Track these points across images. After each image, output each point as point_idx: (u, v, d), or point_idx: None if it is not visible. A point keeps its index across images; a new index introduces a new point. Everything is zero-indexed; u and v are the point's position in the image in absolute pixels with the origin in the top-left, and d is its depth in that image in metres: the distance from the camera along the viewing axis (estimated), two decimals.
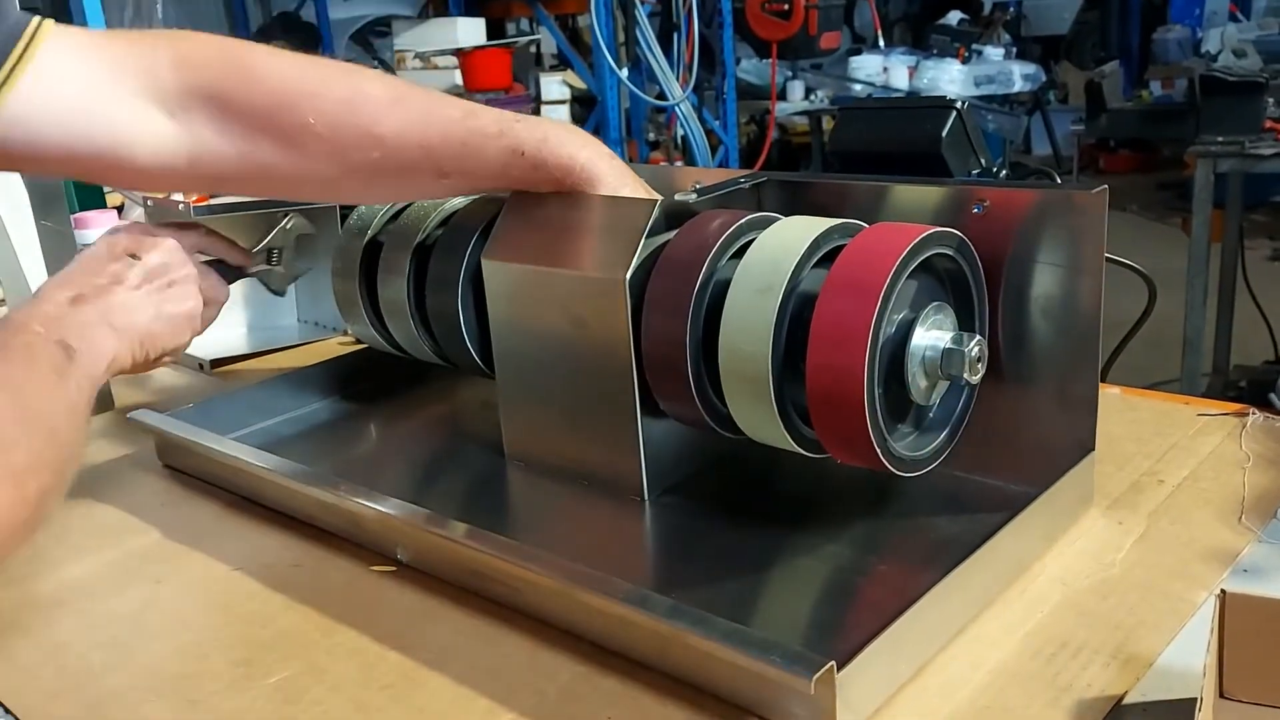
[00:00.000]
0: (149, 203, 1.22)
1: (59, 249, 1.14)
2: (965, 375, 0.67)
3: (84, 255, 0.75)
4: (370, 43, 6.01)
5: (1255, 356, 3.18)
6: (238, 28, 6.27)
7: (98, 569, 0.76)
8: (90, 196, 1.90)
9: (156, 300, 0.76)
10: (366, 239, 0.94)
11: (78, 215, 1.52)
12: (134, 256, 0.75)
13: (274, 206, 1.23)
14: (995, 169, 0.93)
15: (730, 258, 0.72)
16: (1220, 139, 2.64)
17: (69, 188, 1.78)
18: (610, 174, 0.77)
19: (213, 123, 0.73)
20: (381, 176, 0.76)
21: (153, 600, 0.72)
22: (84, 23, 2.69)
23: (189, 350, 1.18)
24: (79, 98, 0.70)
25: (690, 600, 0.58)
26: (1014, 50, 6.04)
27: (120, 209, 1.72)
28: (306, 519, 0.79)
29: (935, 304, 0.68)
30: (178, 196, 1.21)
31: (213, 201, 1.35)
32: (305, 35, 5.60)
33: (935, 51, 5.76)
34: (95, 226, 1.52)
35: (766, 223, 0.73)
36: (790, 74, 5.58)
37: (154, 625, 0.69)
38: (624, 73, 3.69)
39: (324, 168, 0.75)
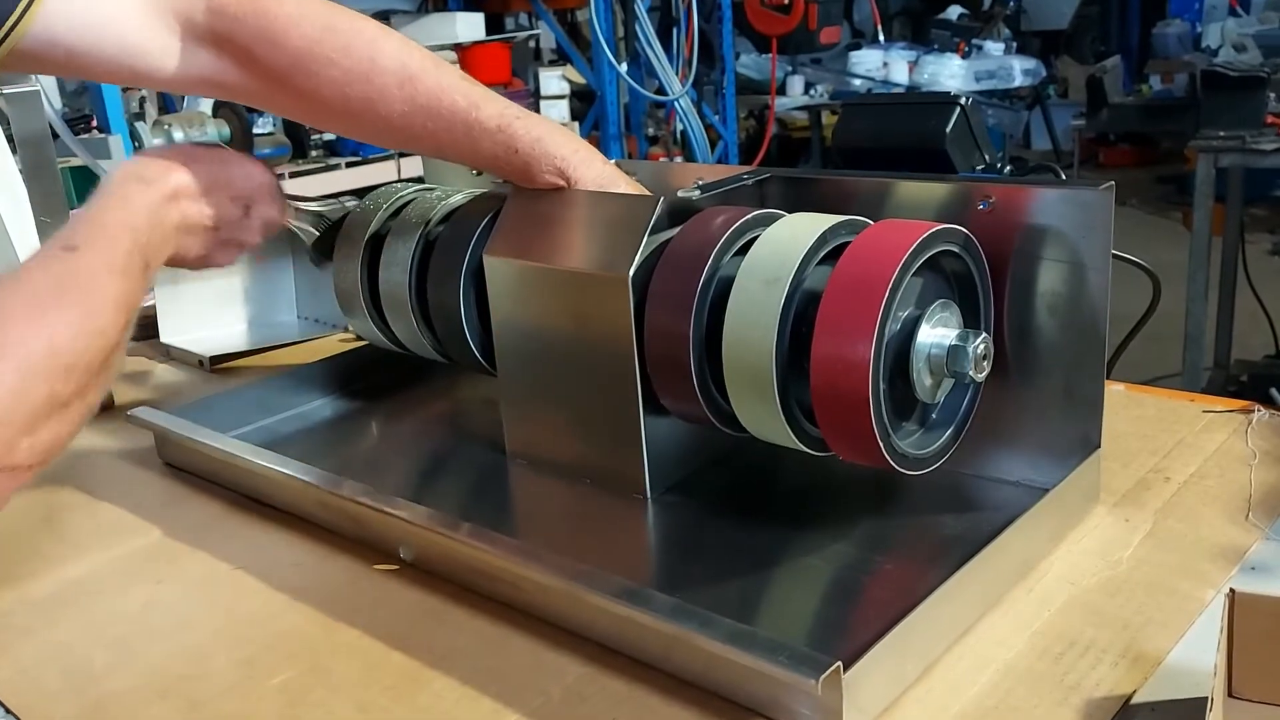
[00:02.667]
0: None
1: None
2: (970, 372, 0.66)
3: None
4: None
5: (1256, 351, 3.17)
6: None
7: (99, 568, 0.76)
8: (89, 193, 1.90)
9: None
10: (368, 234, 0.93)
11: (77, 212, 1.52)
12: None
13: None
14: (999, 165, 0.92)
15: (734, 254, 0.72)
16: (1221, 134, 2.63)
17: (69, 185, 1.78)
18: (601, 177, 0.78)
19: (235, 67, 0.77)
20: (385, 138, 0.82)
21: (154, 600, 0.72)
22: None
23: (188, 347, 1.19)
24: (111, 23, 0.74)
25: (695, 600, 0.58)
26: (1014, 45, 6.03)
27: None
28: (308, 517, 0.79)
29: (941, 301, 0.68)
30: None
31: None
32: None
33: (935, 46, 5.75)
34: None
35: (770, 219, 0.72)
36: (790, 69, 5.57)
37: (156, 625, 0.69)
38: (623, 68, 3.68)
39: (334, 124, 0.83)
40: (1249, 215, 3.35)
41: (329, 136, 3.35)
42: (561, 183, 0.78)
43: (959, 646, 0.59)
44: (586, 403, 0.78)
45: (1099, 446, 0.71)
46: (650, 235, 0.72)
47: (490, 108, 0.77)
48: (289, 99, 0.79)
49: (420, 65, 0.77)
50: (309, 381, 1.02)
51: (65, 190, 1.24)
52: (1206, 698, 0.48)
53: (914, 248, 0.64)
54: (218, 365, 1.16)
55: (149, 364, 1.21)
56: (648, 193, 0.79)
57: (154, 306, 1.23)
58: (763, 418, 0.69)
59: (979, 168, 0.88)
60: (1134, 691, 0.55)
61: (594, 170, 0.78)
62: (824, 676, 0.50)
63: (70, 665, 0.65)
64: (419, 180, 1.04)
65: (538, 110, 3.80)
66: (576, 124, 3.90)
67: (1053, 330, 0.71)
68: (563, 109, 3.84)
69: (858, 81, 5.42)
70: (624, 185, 0.79)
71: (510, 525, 0.79)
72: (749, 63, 5.57)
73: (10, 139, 1.02)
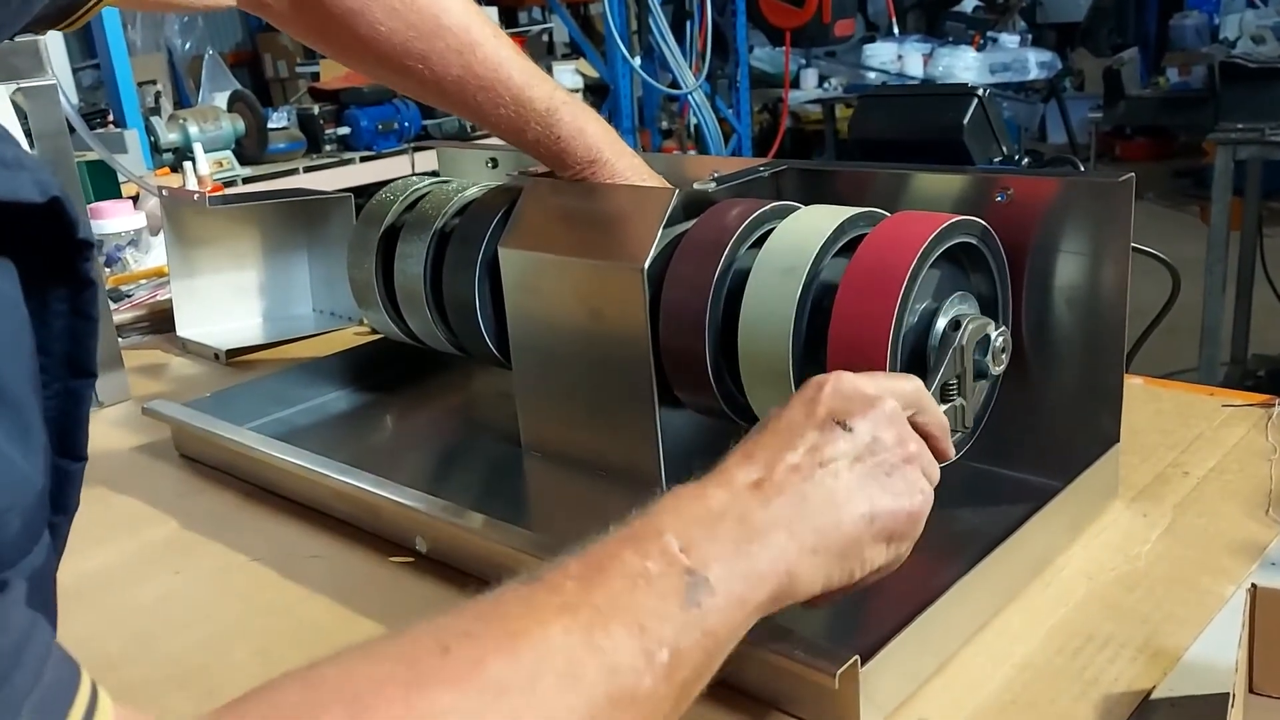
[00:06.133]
0: (164, 192, 1.21)
1: None
2: (990, 368, 0.66)
3: (776, 415, 0.53)
4: None
5: (1273, 345, 3.15)
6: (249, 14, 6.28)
7: (116, 560, 0.76)
8: (105, 187, 1.91)
9: (870, 492, 0.50)
10: (383, 227, 0.94)
11: (93, 205, 1.53)
12: (841, 424, 0.52)
13: (292, 196, 1.23)
14: (1016, 157, 0.91)
15: (750, 246, 0.71)
16: (1240, 126, 2.61)
17: (85, 179, 1.78)
18: (630, 170, 0.79)
19: (286, 11, 0.76)
20: (433, 97, 0.79)
21: (171, 591, 0.72)
22: None
23: (204, 340, 1.19)
24: None
25: None
26: (1029, 37, 5.99)
27: (135, 199, 1.72)
28: (324, 509, 0.79)
29: (958, 293, 0.68)
30: (192, 186, 1.20)
31: (227, 192, 1.35)
32: None
33: (950, 39, 5.72)
34: (111, 216, 1.52)
35: (786, 212, 0.72)
36: (804, 62, 5.55)
37: (173, 616, 0.69)
38: (637, 61, 3.68)
39: (382, 75, 0.79)
40: (1267, 209, 3.31)
41: (343, 131, 3.35)
42: (592, 173, 0.78)
43: (976, 641, 0.59)
44: (601, 395, 0.78)
45: (1117, 441, 0.71)
46: (666, 227, 0.72)
47: (541, 89, 0.77)
48: (340, 42, 0.77)
49: (482, 32, 0.76)
50: (324, 374, 1.03)
51: (82, 185, 1.24)
52: (1227, 693, 0.48)
53: (932, 239, 0.64)
54: (233, 359, 1.16)
55: (165, 358, 1.21)
56: (669, 185, 0.78)
57: (170, 300, 1.23)
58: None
59: (996, 160, 0.87)
60: (1153, 687, 0.55)
61: (624, 163, 0.79)
62: (841, 670, 0.50)
63: (87, 656, 0.64)
64: (434, 174, 1.04)
65: None
66: None
67: (1071, 323, 0.71)
68: (582, 101, 3.84)
69: (872, 74, 5.40)
70: (650, 178, 0.79)
71: (525, 517, 0.79)
72: (763, 56, 5.54)
73: (28, 133, 1.02)
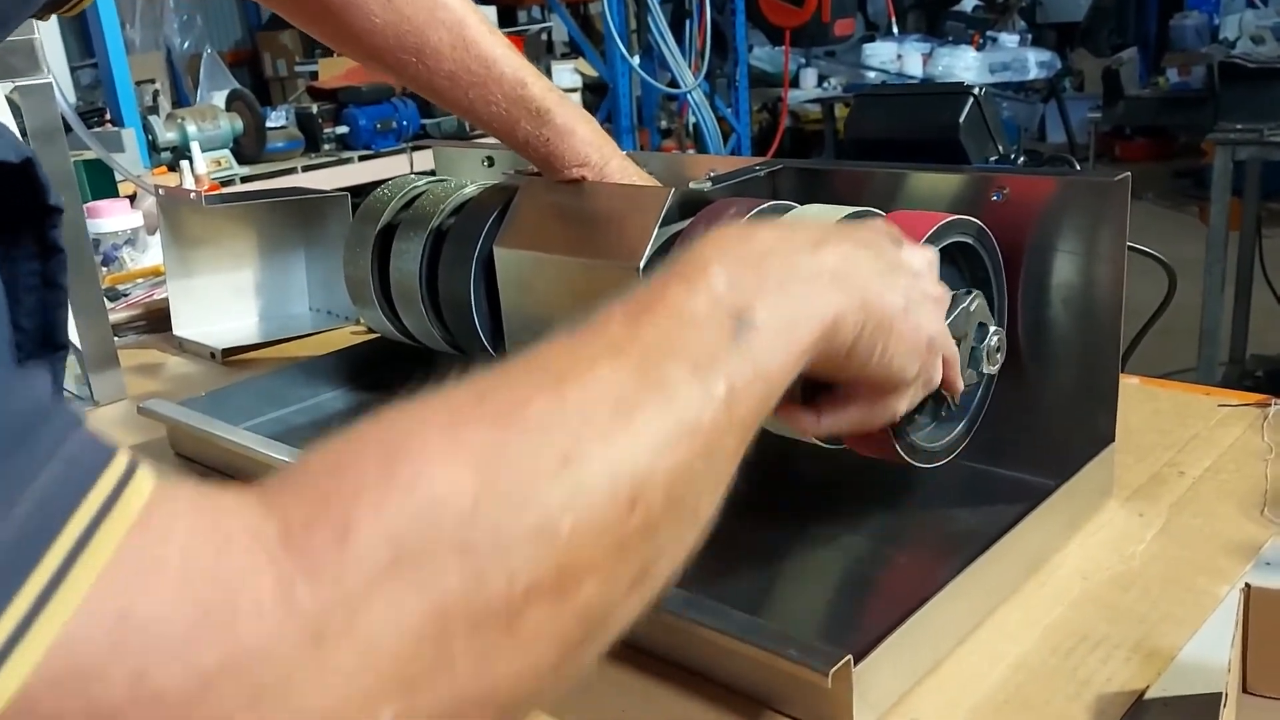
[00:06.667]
0: (161, 191, 1.21)
1: (72, 239, 1.14)
2: (984, 365, 0.66)
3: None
4: None
5: (1272, 346, 3.15)
6: (250, 11, 6.28)
7: None
8: (103, 186, 1.91)
9: (903, 292, 0.52)
10: (379, 225, 0.93)
11: (90, 204, 1.53)
12: (892, 238, 0.55)
13: (288, 195, 1.23)
14: (1013, 156, 0.91)
15: None
16: (1239, 126, 2.62)
17: (82, 178, 1.78)
18: (616, 175, 0.79)
19: None
20: (425, 91, 0.79)
21: None
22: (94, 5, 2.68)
23: (201, 340, 1.19)
24: None
25: (705, 593, 0.57)
26: (1029, 37, 6.00)
27: (133, 198, 1.72)
28: None
29: (954, 294, 0.67)
30: (189, 185, 1.20)
31: (224, 190, 1.35)
32: None
33: (950, 38, 5.72)
34: (108, 215, 1.52)
35: (782, 211, 0.72)
36: (803, 61, 5.55)
37: None
38: (636, 60, 3.67)
39: (375, 67, 0.79)
40: (1266, 210, 3.31)
41: (341, 130, 3.35)
42: (580, 176, 0.78)
43: (970, 641, 0.59)
44: None
45: (1113, 440, 0.71)
46: (661, 227, 0.72)
47: (534, 88, 0.77)
48: (337, 33, 0.76)
49: (477, 29, 0.76)
50: (321, 374, 1.03)
51: (79, 183, 1.24)
52: (1221, 693, 0.48)
53: (927, 238, 0.64)
54: (230, 358, 1.16)
55: (162, 357, 1.21)
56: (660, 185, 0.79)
57: (167, 299, 1.23)
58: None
59: (992, 159, 0.87)
60: (1147, 687, 0.54)
61: (613, 165, 0.79)
62: (834, 670, 0.50)
63: None
64: (431, 173, 1.04)
65: None
66: None
67: (1067, 323, 0.71)
68: (575, 102, 3.84)
69: (872, 74, 5.40)
70: (640, 182, 0.79)
71: None
72: (762, 55, 5.54)
73: (23, 131, 1.02)
